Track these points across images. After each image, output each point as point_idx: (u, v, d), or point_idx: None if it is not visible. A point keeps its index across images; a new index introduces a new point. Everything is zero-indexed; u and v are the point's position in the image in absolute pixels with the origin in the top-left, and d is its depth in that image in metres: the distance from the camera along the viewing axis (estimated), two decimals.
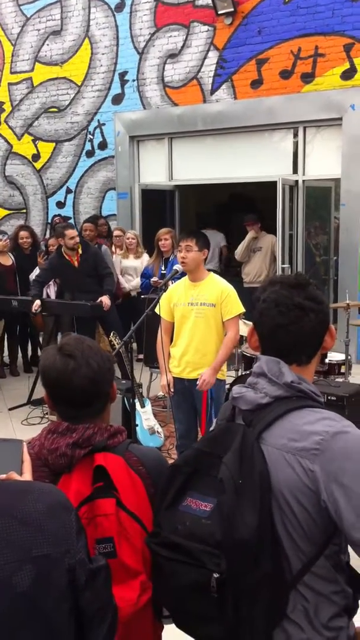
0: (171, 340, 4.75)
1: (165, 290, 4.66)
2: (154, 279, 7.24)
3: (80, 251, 7.22)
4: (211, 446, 1.58)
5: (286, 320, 1.59)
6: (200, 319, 4.52)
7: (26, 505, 1.23)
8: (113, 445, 1.63)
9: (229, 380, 5.44)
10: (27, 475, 1.41)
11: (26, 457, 1.43)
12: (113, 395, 1.71)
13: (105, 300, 7.04)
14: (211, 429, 1.73)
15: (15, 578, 1.15)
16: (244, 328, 5.95)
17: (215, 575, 1.43)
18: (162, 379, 4.69)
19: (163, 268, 7.27)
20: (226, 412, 1.70)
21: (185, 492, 1.57)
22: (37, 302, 7.00)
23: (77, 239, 7.18)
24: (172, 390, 4.63)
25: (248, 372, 1.69)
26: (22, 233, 8.42)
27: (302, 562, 1.48)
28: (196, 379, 4.54)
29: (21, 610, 1.15)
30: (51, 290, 8.25)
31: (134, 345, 6.16)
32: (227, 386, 5.11)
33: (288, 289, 1.61)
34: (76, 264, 7.22)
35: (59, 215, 10.45)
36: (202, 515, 1.50)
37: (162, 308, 4.63)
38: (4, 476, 1.34)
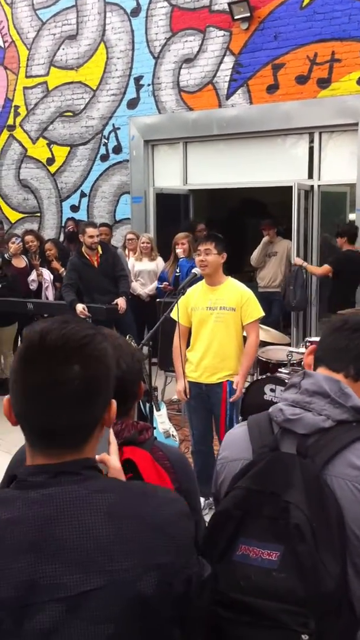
0: (187, 345, 4.74)
1: (183, 294, 4.65)
2: (165, 283, 7.26)
3: (100, 251, 7.24)
4: (262, 483, 1.40)
5: (349, 327, 1.57)
6: (219, 323, 4.51)
7: (153, 509, 1.19)
8: (141, 441, 1.64)
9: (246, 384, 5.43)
10: (114, 458, 1.39)
11: (112, 440, 1.40)
12: (140, 394, 1.71)
13: (121, 302, 7.06)
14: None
15: (140, 583, 1.11)
16: (261, 333, 5.93)
17: (305, 637, 1.27)
18: (179, 384, 4.68)
19: (177, 271, 7.27)
20: (264, 436, 1.52)
21: (238, 538, 1.38)
22: (81, 306, 6.93)
23: (97, 239, 7.21)
24: (188, 396, 4.62)
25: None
26: (28, 237, 8.49)
27: None
28: (214, 384, 4.54)
29: (140, 617, 1.11)
30: (49, 293, 8.27)
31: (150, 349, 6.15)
32: (243, 391, 5.12)
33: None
34: (96, 264, 7.24)
35: (72, 218, 10.47)
36: (270, 566, 1.32)
37: (179, 313, 4.62)
38: (98, 457, 1.32)
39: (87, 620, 1.08)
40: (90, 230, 7.15)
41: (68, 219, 10.42)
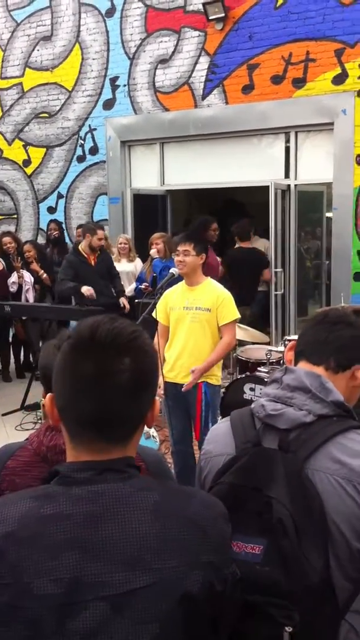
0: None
1: (161, 294, 4.66)
2: (145, 284, 7.27)
3: (98, 252, 7.33)
4: (245, 478, 1.42)
5: (329, 320, 1.60)
6: (195, 323, 4.52)
7: (196, 509, 1.19)
8: None
9: (224, 384, 5.44)
10: None
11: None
12: None
13: (125, 302, 7.25)
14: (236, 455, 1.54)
15: (186, 582, 1.11)
16: (238, 332, 5.95)
17: (288, 629, 1.30)
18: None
19: (154, 272, 7.29)
20: (247, 431, 1.53)
21: None
22: (86, 287, 6.93)
23: (104, 242, 7.34)
24: (162, 393, 4.62)
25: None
26: (5, 239, 8.46)
27: (350, 591, 1.38)
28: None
29: (185, 616, 1.11)
30: (30, 295, 8.23)
31: None
32: (223, 390, 5.13)
33: (348, 311, 1.66)
34: (93, 263, 7.28)
35: (55, 220, 10.42)
36: (254, 560, 1.34)
37: (159, 312, 4.63)
38: None
39: (133, 619, 1.07)
40: (100, 233, 7.37)
41: (50, 221, 10.37)
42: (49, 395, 1.25)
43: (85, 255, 7.27)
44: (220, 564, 1.17)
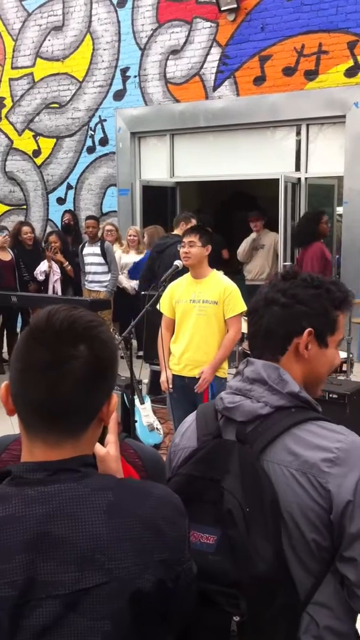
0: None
1: (165, 287, 4.62)
2: None
3: None
4: (202, 469, 1.43)
5: (252, 310, 1.56)
6: (202, 316, 4.48)
7: (150, 508, 1.18)
8: None
9: (230, 378, 5.40)
10: (112, 437, 1.36)
11: (113, 415, 1.35)
12: None
13: None
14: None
15: (139, 581, 1.11)
16: (244, 325, 5.91)
17: (236, 618, 1.31)
18: (162, 375, 4.65)
19: None
20: (209, 424, 1.54)
21: None
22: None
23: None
24: (171, 386, 4.59)
25: (236, 372, 1.61)
26: (25, 229, 8.53)
27: (310, 583, 1.38)
28: (197, 377, 4.50)
29: (136, 613, 1.11)
30: (58, 285, 8.30)
31: (134, 341, 6.11)
32: (228, 384, 5.09)
33: (272, 282, 1.57)
34: None
35: (70, 210, 10.40)
36: (207, 550, 1.36)
37: (164, 304, 4.60)
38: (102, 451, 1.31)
39: (85, 616, 1.07)
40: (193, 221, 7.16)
41: (65, 211, 10.45)
42: (5, 383, 1.23)
43: None
44: (173, 562, 1.16)
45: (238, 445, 1.43)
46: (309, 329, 1.51)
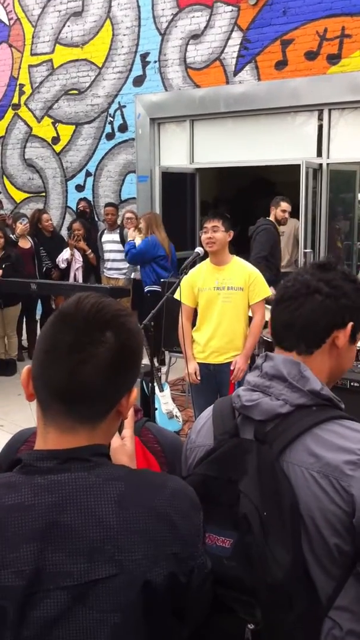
0: (193, 326, 4.68)
1: (186, 274, 4.57)
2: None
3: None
4: (219, 470, 1.38)
5: (287, 297, 1.48)
6: (228, 303, 4.45)
7: (163, 500, 1.15)
8: None
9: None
10: (128, 431, 1.35)
11: (130, 411, 1.34)
12: None
13: None
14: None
15: (149, 574, 1.08)
16: (267, 314, 5.86)
17: (250, 626, 1.27)
18: (190, 367, 4.61)
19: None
20: (225, 422, 1.48)
21: None
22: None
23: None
24: (198, 378, 4.56)
25: (254, 366, 1.54)
26: (45, 216, 8.60)
27: (332, 588, 1.32)
28: (223, 364, 4.49)
29: (146, 607, 1.09)
30: (79, 274, 8.31)
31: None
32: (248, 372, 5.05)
33: (308, 270, 1.50)
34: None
35: (85, 198, 10.38)
36: (223, 554, 1.31)
37: (184, 293, 4.54)
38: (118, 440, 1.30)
39: (94, 608, 1.06)
40: (284, 205, 7.40)
41: (80, 199, 10.48)
42: (27, 366, 1.22)
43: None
44: (185, 556, 1.14)
45: (257, 445, 1.37)
46: (352, 322, 1.46)
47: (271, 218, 7.40)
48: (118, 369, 1.17)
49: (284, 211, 7.40)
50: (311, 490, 1.31)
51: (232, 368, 4.44)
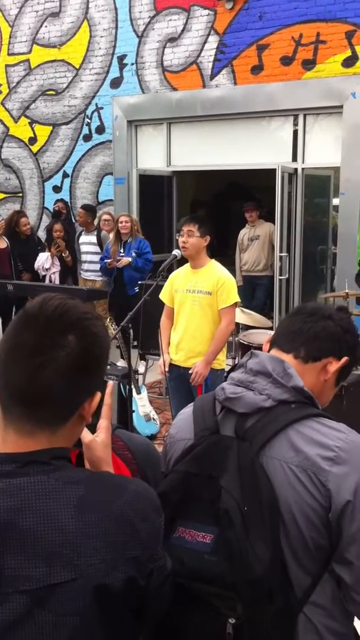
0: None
1: (163, 277, 4.62)
2: (108, 260, 7.33)
3: None
4: (199, 466, 1.41)
5: (306, 312, 1.61)
6: (196, 306, 4.50)
7: (123, 503, 1.15)
8: None
9: (228, 368, 5.41)
10: (104, 422, 1.33)
11: (108, 401, 1.33)
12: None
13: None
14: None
15: (108, 578, 1.09)
16: (241, 316, 5.92)
17: (232, 620, 1.28)
18: (160, 359, 4.70)
19: (122, 251, 7.42)
20: (206, 419, 1.51)
21: (175, 521, 1.37)
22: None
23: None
24: (166, 369, 4.60)
25: (236, 364, 1.60)
26: (24, 220, 8.53)
27: (308, 583, 1.36)
28: (188, 368, 4.52)
29: (105, 610, 1.09)
30: (56, 276, 8.28)
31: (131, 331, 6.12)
32: (225, 375, 5.11)
33: (330, 306, 1.67)
34: None
35: (61, 199, 10.36)
36: (203, 549, 1.32)
37: (164, 294, 4.65)
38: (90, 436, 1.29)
39: (53, 612, 1.05)
40: None
41: (56, 200, 10.48)
42: None
43: None
44: (145, 559, 1.14)
45: (237, 442, 1.41)
46: (346, 358, 1.57)
47: None
48: (79, 374, 1.15)
49: None
50: (290, 483, 1.35)
51: (190, 372, 4.45)
